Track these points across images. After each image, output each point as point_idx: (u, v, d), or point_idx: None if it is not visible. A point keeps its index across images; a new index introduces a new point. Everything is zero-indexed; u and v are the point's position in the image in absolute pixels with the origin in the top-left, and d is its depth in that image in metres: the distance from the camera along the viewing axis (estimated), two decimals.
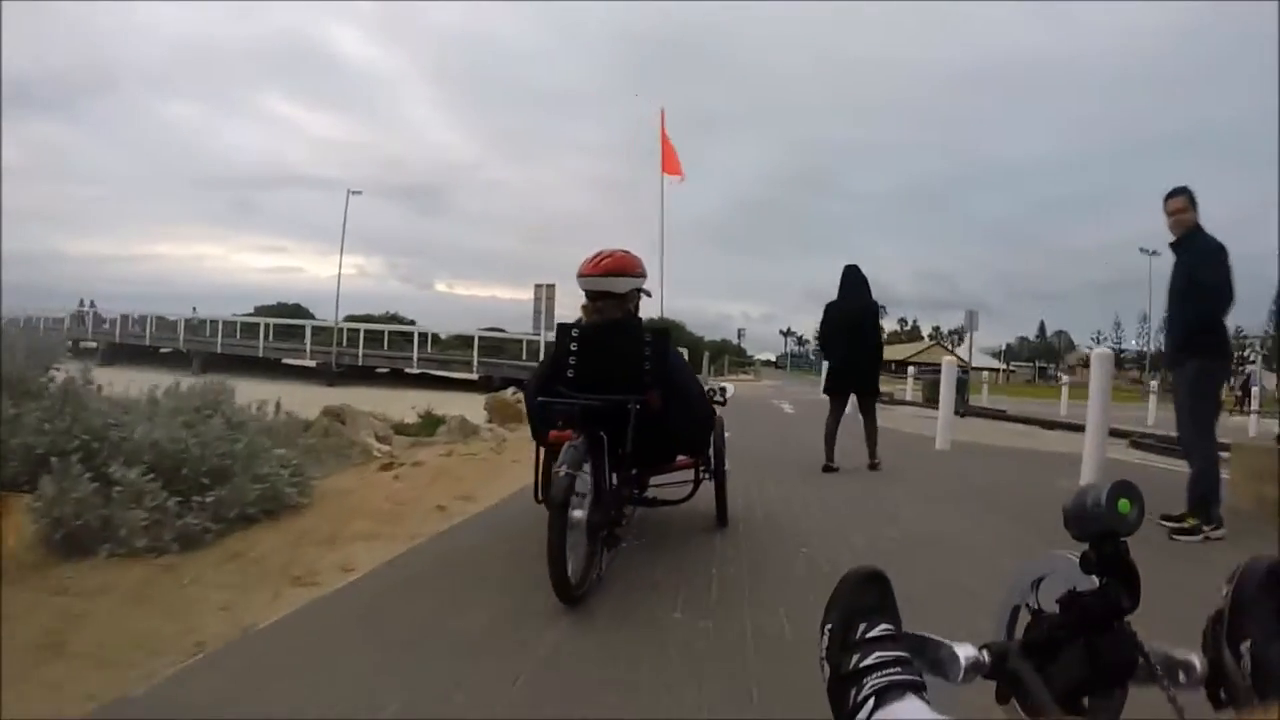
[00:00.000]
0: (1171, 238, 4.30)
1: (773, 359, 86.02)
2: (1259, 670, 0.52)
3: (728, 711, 1.86)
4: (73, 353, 6.92)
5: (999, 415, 15.29)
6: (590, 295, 3.25)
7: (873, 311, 6.54)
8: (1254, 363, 63.24)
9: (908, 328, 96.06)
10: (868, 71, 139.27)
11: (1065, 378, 21.37)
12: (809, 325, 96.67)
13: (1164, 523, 4.10)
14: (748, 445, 7.09)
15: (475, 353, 28.18)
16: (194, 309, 40.20)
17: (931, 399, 17.65)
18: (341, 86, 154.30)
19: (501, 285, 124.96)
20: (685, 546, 3.51)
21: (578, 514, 2.62)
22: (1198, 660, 0.54)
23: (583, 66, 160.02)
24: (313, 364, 32.20)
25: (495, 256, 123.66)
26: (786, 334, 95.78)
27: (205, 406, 4.56)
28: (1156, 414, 17.15)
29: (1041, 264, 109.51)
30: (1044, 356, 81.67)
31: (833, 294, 6.28)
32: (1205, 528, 4.03)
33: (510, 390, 16.15)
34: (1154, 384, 17.98)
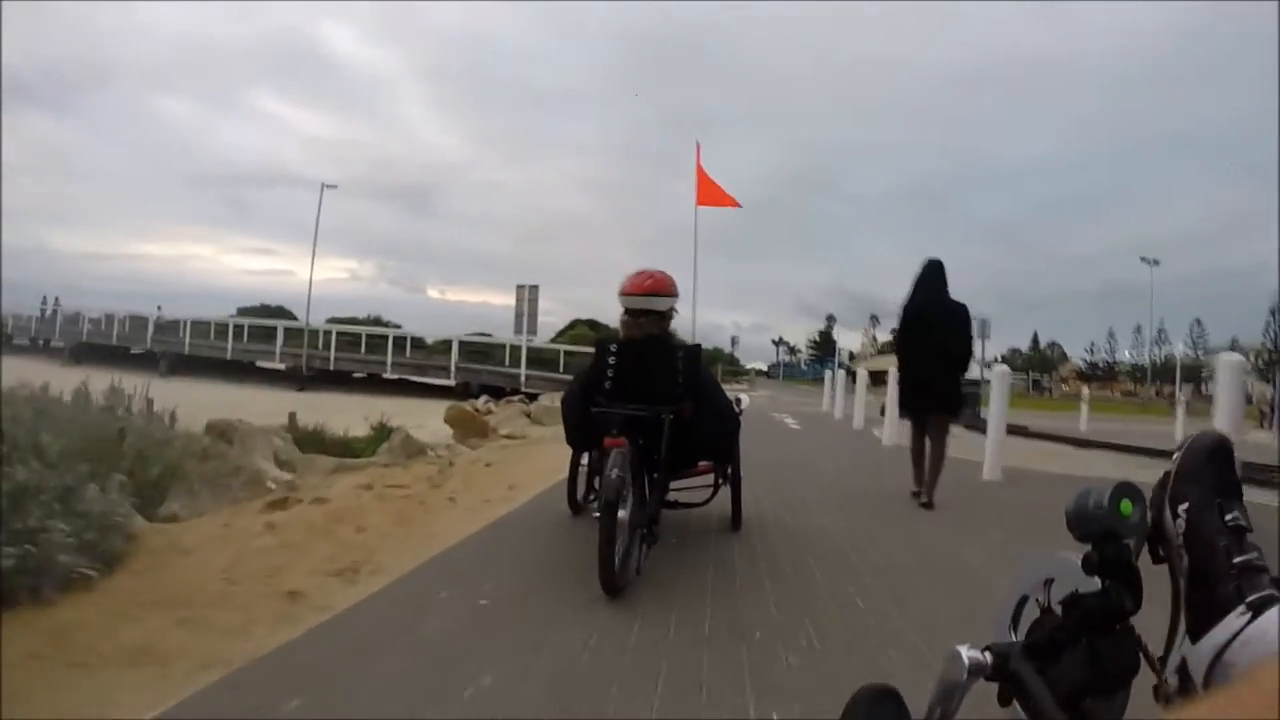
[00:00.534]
0: None
1: (764, 369, 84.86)
2: (1190, 531, 0.56)
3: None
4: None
5: (1018, 431, 13.69)
6: (633, 312, 3.48)
7: (962, 316, 5.26)
8: (1247, 373, 63.21)
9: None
10: (867, 72, 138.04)
11: (1084, 390, 19.94)
12: (800, 335, 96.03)
13: None
14: (758, 471, 5.65)
15: (454, 358, 26.57)
16: (159, 308, 38.33)
17: None
18: (336, 86, 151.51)
19: (494, 290, 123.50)
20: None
21: (621, 514, 2.76)
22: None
23: (580, 66, 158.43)
24: (282, 367, 30.53)
25: (488, 259, 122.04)
26: (779, 343, 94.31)
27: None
28: (1185, 430, 15.95)
29: (1038, 267, 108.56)
30: (1037, 368, 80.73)
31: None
32: None
33: (483, 399, 14.68)
34: (1181, 397, 16.63)
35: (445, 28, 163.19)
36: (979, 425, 13.63)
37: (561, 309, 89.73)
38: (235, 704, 1.81)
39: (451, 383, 25.66)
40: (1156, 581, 0.62)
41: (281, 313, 43.83)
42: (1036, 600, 0.61)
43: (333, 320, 39.25)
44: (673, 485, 3.57)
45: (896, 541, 3.98)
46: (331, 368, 29.22)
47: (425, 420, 12.96)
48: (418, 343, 31.83)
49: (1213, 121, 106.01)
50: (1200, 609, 0.52)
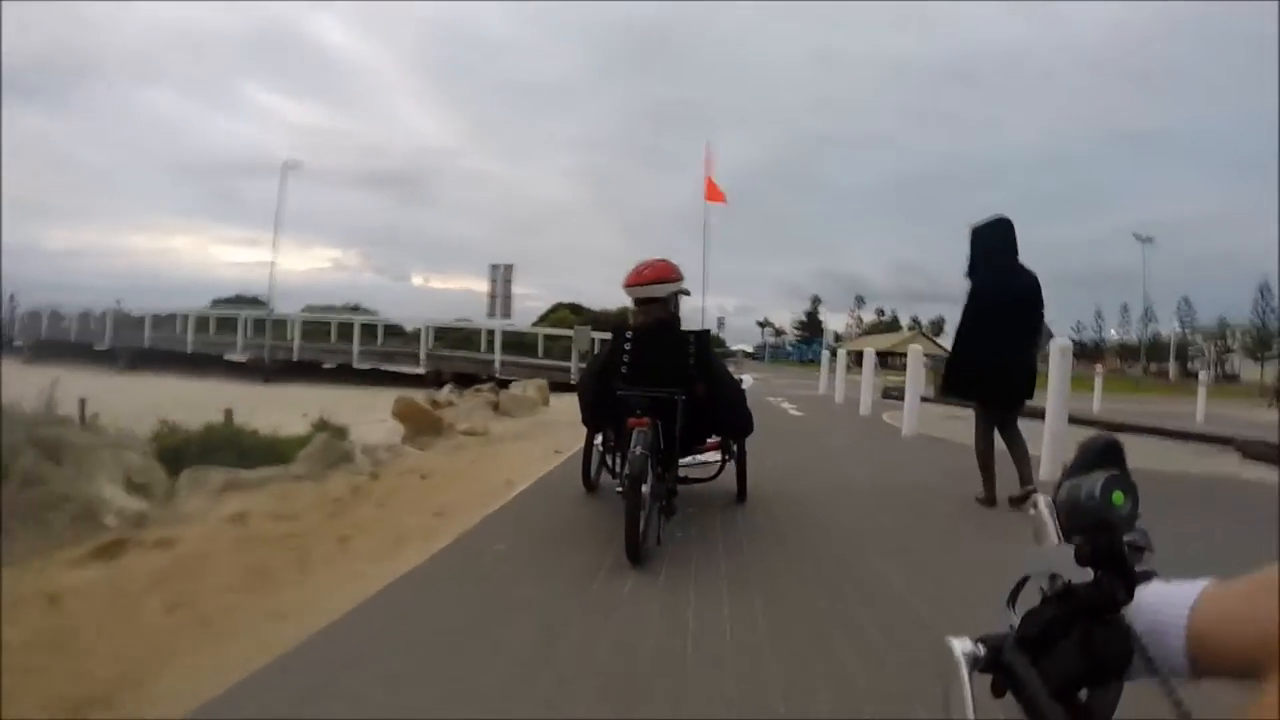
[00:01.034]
0: None
1: (750, 350, 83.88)
2: (1060, 509, 0.57)
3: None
4: None
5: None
6: (637, 301, 3.75)
7: (1037, 286, 4.45)
8: (1233, 350, 62.94)
9: (886, 318, 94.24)
10: (850, 66, 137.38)
11: (1098, 368, 18.74)
12: (785, 317, 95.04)
13: None
14: (765, 473, 4.48)
15: (423, 345, 25.06)
16: (118, 301, 36.48)
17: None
18: (322, 76, 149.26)
19: (477, 277, 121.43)
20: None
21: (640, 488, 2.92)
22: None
23: (566, 58, 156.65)
24: (245, 359, 28.98)
25: (473, 247, 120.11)
26: (764, 325, 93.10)
27: None
28: (1207, 409, 14.85)
29: (1022, 255, 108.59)
30: None
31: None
32: None
33: (447, 388, 13.31)
34: (1203, 376, 15.59)
35: (432, 18, 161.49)
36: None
37: (546, 294, 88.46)
38: None
39: (421, 371, 24.15)
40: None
41: (257, 303, 42.10)
42: (1041, 587, 0.57)
43: (309, 308, 37.53)
44: (681, 462, 3.66)
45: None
46: (295, 358, 27.60)
47: (387, 413, 11.63)
48: (394, 330, 30.21)
49: (1194, 117, 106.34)
50: None
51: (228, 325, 31.78)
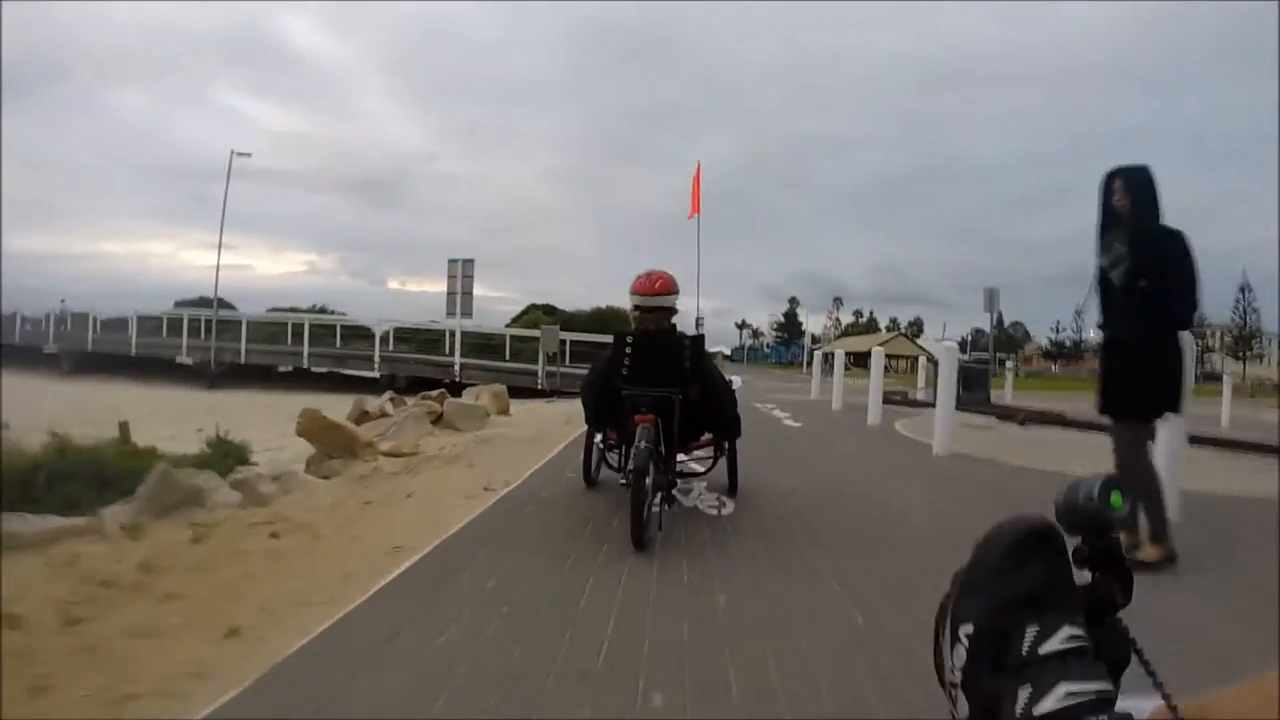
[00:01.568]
0: None
1: (728, 352, 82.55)
2: (969, 666, 0.45)
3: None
4: None
5: (1055, 420, 10.89)
6: (644, 309, 3.79)
7: (1184, 252, 3.13)
8: (1214, 350, 62.89)
9: (864, 320, 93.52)
10: (829, 66, 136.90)
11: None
12: (762, 318, 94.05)
13: None
14: (773, 505, 3.00)
15: (377, 347, 23.20)
16: (62, 301, 34.15)
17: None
18: (297, 79, 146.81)
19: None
20: None
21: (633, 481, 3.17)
22: None
23: (542, 59, 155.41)
24: (190, 362, 27.03)
25: (450, 249, 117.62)
26: (741, 326, 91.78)
27: None
28: (1232, 411, 13.61)
29: (1000, 254, 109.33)
30: (1002, 348, 79.88)
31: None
32: None
33: (387, 395, 11.56)
34: (1227, 375, 14.36)
35: (406, 19, 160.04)
36: (1014, 412, 11.00)
37: (521, 298, 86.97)
38: None
39: (375, 374, 22.33)
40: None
41: (222, 304, 39.94)
42: None
43: (273, 310, 35.46)
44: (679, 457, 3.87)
45: None
46: (243, 361, 25.67)
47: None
48: (361, 332, 28.14)
49: (1176, 114, 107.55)
50: None
51: (179, 327, 29.60)
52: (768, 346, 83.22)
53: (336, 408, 10.84)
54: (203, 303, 41.77)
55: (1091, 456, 6.12)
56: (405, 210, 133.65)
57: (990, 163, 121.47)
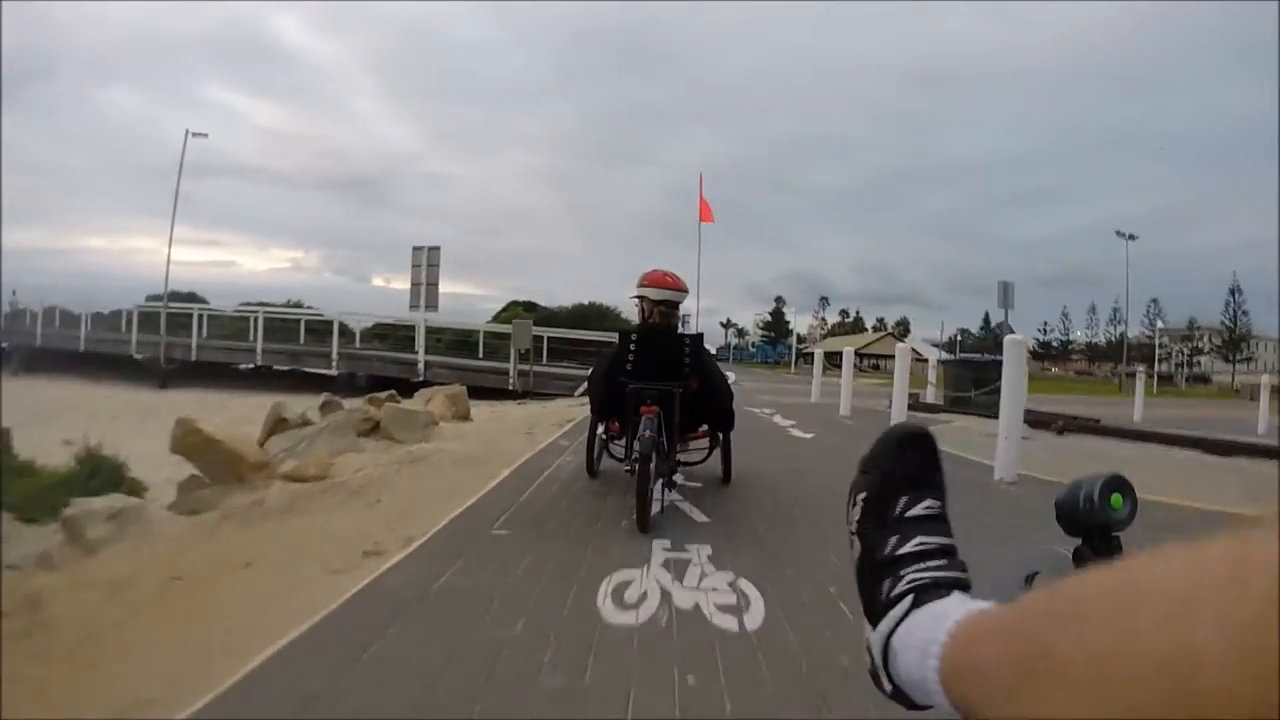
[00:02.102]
0: None
1: (713, 351, 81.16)
2: (862, 519, 0.57)
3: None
4: None
5: (1093, 428, 9.48)
6: (656, 301, 4.06)
7: None
8: (1208, 353, 62.26)
9: (850, 319, 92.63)
10: (817, 67, 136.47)
11: (1138, 370, 16.19)
12: (748, 317, 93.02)
13: None
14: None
15: (334, 343, 21.51)
16: (14, 292, 32.19)
17: (960, 401, 12.29)
18: (285, 77, 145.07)
19: (441, 279, 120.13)
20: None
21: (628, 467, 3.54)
22: None
23: (531, 60, 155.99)
24: (139, 358, 25.28)
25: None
26: (727, 325, 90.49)
27: None
28: (1272, 419, 12.38)
29: (988, 256, 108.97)
30: (988, 348, 79.10)
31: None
32: None
33: (323, 398, 9.98)
34: (1265, 379, 13.14)
35: (395, 19, 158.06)
36: (1051, 419, 9.49)
37: (505, 295, 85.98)
38: None
39: (333, 372, 20.70)
40: None
41: (194, 298, 38.12)
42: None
43: (243, 304, 33.77)
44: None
45: None
46: (194, 358, 23.97)
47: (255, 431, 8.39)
48: (324, 327, 26.36)
49: (1165, 115, 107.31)
50: (871, 597, 0.53)
51: (149, 323, 27.65)
52: (753, 345, 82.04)
53: (292, 408, 9.33)
54: (175, 297, 39.79)
55: (1172, 473, 4.98)
56: (391, 208, 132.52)
57: (977, 163, 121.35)
